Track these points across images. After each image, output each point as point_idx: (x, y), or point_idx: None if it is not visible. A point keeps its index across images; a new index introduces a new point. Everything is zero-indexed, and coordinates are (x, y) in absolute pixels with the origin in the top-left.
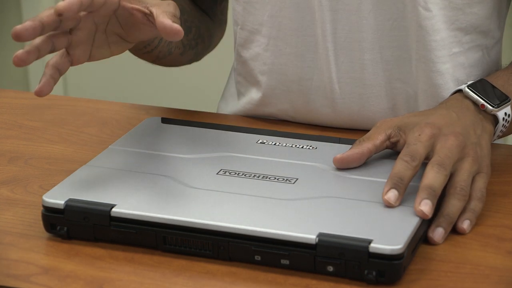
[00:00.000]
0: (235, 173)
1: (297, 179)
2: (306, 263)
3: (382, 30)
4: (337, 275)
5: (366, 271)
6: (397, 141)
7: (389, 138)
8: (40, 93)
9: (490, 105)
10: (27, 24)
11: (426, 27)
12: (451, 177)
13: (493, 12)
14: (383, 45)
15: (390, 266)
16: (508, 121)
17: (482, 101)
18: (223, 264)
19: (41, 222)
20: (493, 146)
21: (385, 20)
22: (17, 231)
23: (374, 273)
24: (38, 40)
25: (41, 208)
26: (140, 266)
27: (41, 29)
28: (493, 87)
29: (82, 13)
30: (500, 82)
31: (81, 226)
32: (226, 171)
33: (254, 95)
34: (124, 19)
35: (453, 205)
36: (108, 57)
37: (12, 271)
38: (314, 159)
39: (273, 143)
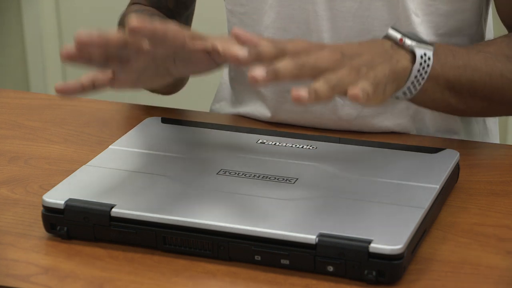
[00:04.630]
0: (235, 173)
1: (297, 179)
2: (306, 263)
3: (379, 37)
4: (337, 275)
5: (366, 271)
6: None
7: None
8: (60, 90)
9: (410, 39)
10: (92, 35)
11: (419, 33)
12: None
13: (481, 19)
14: None
15: (390, 266)
16: (428, 65)
17: (401, 36)
18: (223, 264)
19: (41, 222)
20: (493, 146)
21: (382, 26)
22: (17, 231)
23: (374, 273)
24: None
25: (41, 208)
26: (140, 266)
27: (105, 44)
28: (420, 36)
29: (146, 47)
30: (433, 41)
31: (81, 226)
32: (226, 171)
33: (260, 109)
34: (181, 57)
35: (323, 85)
36: (146, 88)
37: (12, 271)
38: (314, 159)
39: (273, 143)
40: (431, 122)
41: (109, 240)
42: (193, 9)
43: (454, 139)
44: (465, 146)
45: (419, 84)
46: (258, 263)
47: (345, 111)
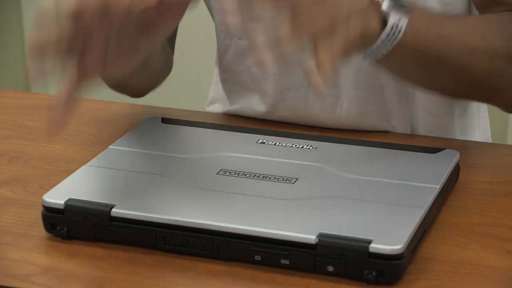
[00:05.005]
0: (235, 173)
1: (297, 179)
2: (306, 263)
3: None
4: (337, 275)
5: (366, 271)
6: None
7: None
8: (52, 131)
9: (387, 3)
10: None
11: None
12: None
13: None
14: None
15: (390, 266)
16: (398, 33)
17: None
18: (223, 264)
19: (41, 222)
20: (493, 146)
21: None
22: (17, 231)
23: (374, 273)
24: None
25: (41, 208)
26: (140, 266)
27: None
28: (401, 1)
29: (95, 27)
30: (411, 7)
31: (81, 226)
32: (226, 171)
33: (255, 105)
34: (137, 24)
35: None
36: (121, 73)
37: (12, 271)
38: (314, 159)
39: (273, 143)
40: (425, 121)
41: (109, 240)
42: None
43: (454, 139)
44: (465, 146)
45: (386, 49)
46: (258, 263)
47: (345, 108)
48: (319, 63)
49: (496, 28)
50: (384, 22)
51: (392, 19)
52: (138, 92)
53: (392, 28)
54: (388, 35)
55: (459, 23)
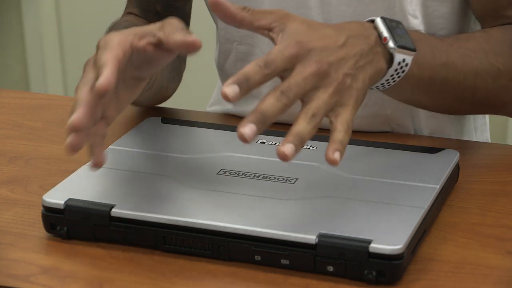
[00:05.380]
0: (235, 173)
1: (297, 179)
2: (306, 263)
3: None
4: (337, 275)
5: (366, 271)
6: (272, 38)
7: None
8: (97, 166)
9: (393, 41)
10: (80, 113)
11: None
12: (303, 104)
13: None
14: None
15: (390, 266)
16: (403, 70)
17: (387, 34)
18: (223, 264)
19: (41, 222)
20: (493, 146)
21: None
22: (17, 231)
23: (374, 273)
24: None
25: (41, 208)
26: (140, 266)
27: (93, 110)
28: (407, 33)
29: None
30: (416, 37)
31: (81, 226)
32: (226, 171)
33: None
34: (137, 60)
35: (304, 127)
36: (131, 102)
37: (12, 271)
38: (314, 159)
39: (273, 143)
40: (427, 121)
41: (109, 240)
42: (187, 20)
43: (454, 139)
44: (465, 146)
45: (389, 84)
46: (258, 263)
47: None
48: (336, 134)
49: (499, 46)
50: (390, 59)
51: (399, 56)
52: (150, 106)
53: (399, 63)
54: (396, 70)
55: (463, 47)
